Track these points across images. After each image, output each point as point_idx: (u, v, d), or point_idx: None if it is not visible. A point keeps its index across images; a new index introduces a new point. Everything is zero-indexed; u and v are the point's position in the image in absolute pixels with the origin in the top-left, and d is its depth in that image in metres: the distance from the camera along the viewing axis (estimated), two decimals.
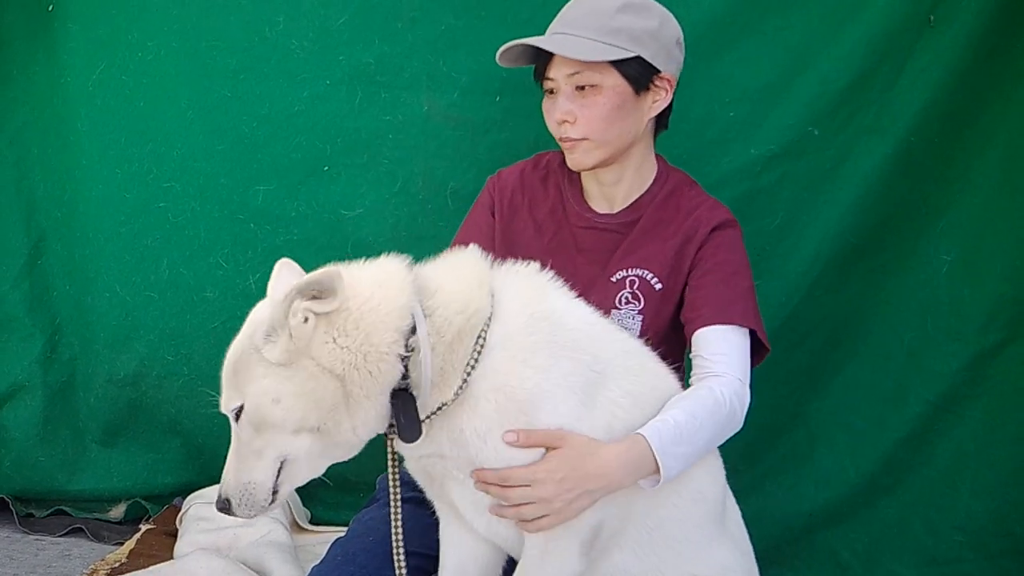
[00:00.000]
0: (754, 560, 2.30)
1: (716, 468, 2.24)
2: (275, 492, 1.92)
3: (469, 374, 1.92)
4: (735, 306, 2.32)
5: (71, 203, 3.25)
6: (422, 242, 2.84)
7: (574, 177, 2.54)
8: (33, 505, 3.36)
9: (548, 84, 2.39)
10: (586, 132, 2.34)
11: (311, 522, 3.31)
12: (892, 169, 2.91)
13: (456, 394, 1.91)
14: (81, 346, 3.35)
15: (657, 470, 2.00)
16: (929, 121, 2.88)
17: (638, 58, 2.30)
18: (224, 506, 1.92)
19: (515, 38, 2.78)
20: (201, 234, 3.18)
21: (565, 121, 2.35)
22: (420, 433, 1.90)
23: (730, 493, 2.32)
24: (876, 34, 2.86)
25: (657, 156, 2.53)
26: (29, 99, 3.23)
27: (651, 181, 2.49)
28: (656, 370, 2.18)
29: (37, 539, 3.22)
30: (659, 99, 2.39)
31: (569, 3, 2.41)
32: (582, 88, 2.33)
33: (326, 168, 3.10)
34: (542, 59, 2.39)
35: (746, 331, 2.32)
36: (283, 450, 1.90)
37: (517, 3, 2.94)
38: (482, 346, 1.93)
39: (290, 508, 3.24)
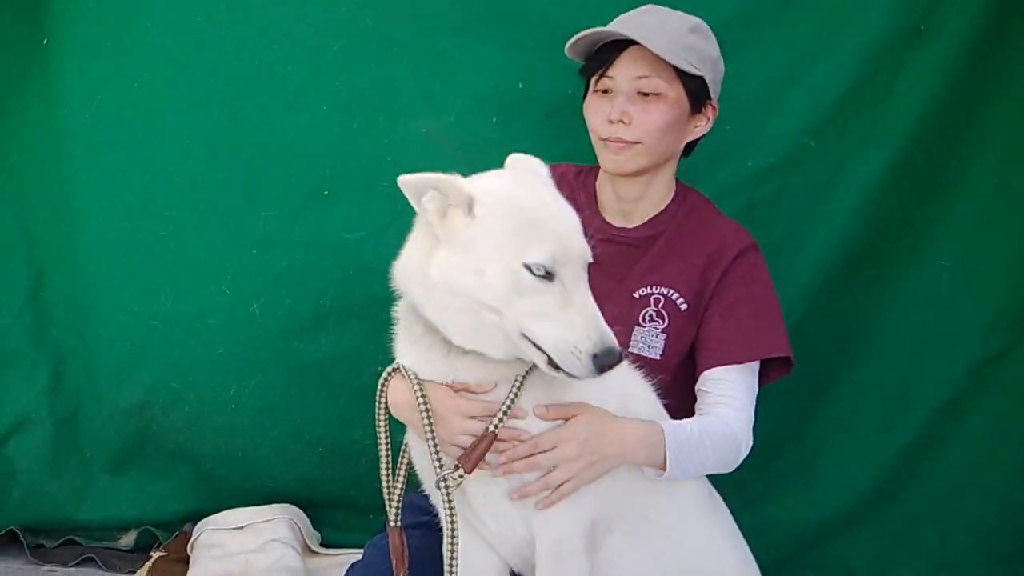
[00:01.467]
0: (748, 549, 2.34)
1: None
2: None
3: None
4: (761, 336, 2.38)
5: (71, 235, 3.25)
6: None
7: (590, 189, 2.55)
8: (43, 536, 3.36)
9: (605, 83, 2.39)
10: (640, 136, 2.35)
11: (321, 545, 3.32)
12: (889, 178, 2.93)
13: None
14: (86, 377, 3.35)
15: (663, 465, 2.07)
16: (924, 130, 2.91)
17: (701, 79, 2.35)
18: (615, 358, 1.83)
19: (510, 59, 2.80)
20: (203, 262, 3.18)
21: (620, 121, 2.35)
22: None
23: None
24: (868, 45, 2.88)
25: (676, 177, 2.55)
26: (26, 133, 3.23)
27: (670, 199, 2.51)
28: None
29: (48, 570, 3.23)
30: (701, 124, 2.45)
31: (635, 12, 2.42)
32: (644, 94, 2.34)
33: (326, 193, 3.11)
34: (600, 57, 2.39)
35: (756, 368, 2.38)
36: None
37: (511, 24, 2.96)
38: None
39: (301, 531, 3.26)
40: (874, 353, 3.09)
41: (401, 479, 2.14)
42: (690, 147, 2.52)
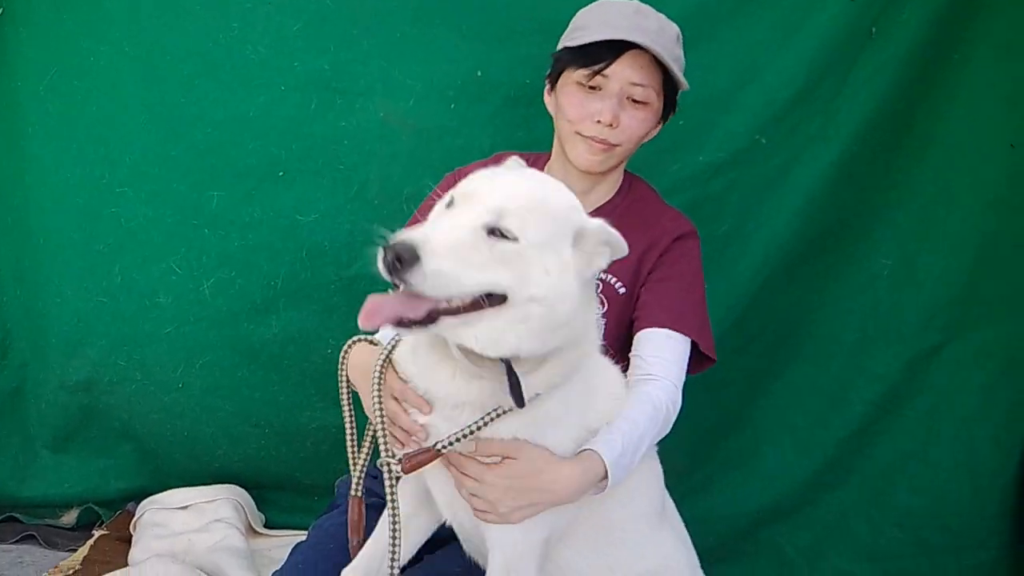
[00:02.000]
0: (693, 549, 2.37)
1: (655, 466, 2.31)
2: (435, 320, 1.72)
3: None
4: (685, 316, 2.38)
5: (21, 208, 3.22)
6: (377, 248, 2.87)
7: None
8: None
9: (598, 81, 2.38)
10: (622, 140, 2.40)
11: (265, 526, 3.32)
12: (836, 176, 3.00)
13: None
14: (32, 352, 3.32)
15: (604, 479, 2.05)
16: (871, 130, 2.98)
17: (677, 92, 2.45)
18: (401, 253, 1.64)
19: (470, 47, 2.80)
20: (154, 239, 3.15)
21: (609, 125, 2.37)
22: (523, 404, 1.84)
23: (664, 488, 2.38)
24: (821, 46, 2.94)
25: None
26: None
27: (615, 190, 2.56)
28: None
29: None
30: (656, 130, 2.51)
31: (630, 10, 2.39)
32: (635, 101, 2.38)
33: (281, 174, 3.09)
34: (596, 54, 2.35)
35: (688, 341, 2.38)
36: (503, 287, 1.73)
37: (471, 12, 2.97)
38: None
39: (245, 512, 3.25)
40: (814, 348, 3.17)
41: (366, 450, 2.15)
42: None
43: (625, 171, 2.59)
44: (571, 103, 2.42)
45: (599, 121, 2.38)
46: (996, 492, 3.08)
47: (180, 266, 3.16)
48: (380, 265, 1.65)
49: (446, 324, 1.72)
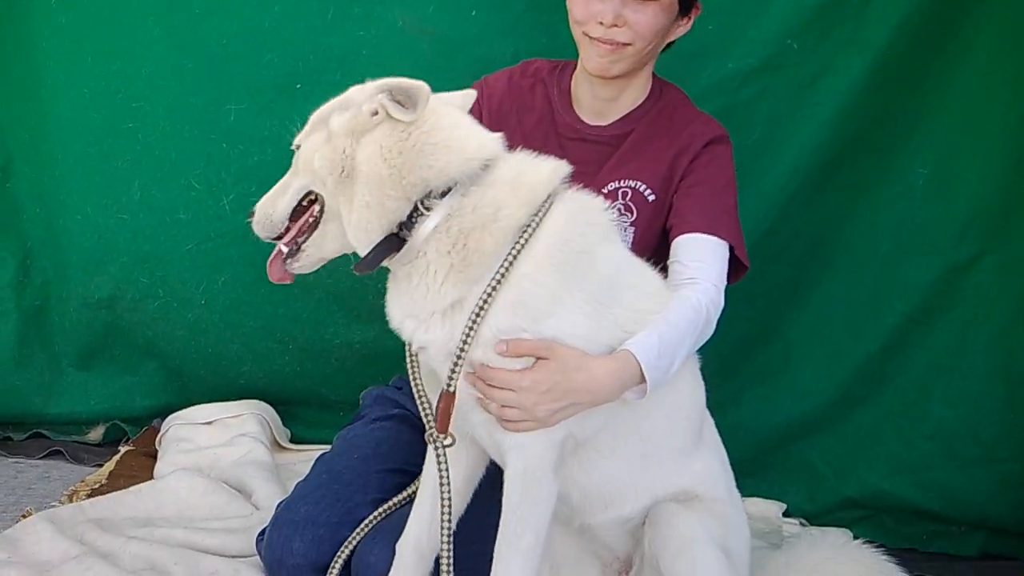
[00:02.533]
0: (730, 468, 2.34)
1: (696, 385, 2.28)
2: (298, 248, 2.03)
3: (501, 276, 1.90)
4: (720, 220, 2.34)
5: (38, 125, 3.20)
6: None
7: (564, 87, 2.51)
8: (10, 429, 3.38)
9: None
10: (632, 38, 2.31)
11: (292, 441, 3.35)
12: (869, 83, 2.92)
13: (486, 295, 1.89)
14: (54, 270, 3.33)
15: (643, 382, 2.02)
16: (906, 34, 2.88)
17: None
18: (249, 217, 2.10)
19: None
20: (172, 155, 3.14)
21: (614, 25, 2.30)
22: (372, 270, 1.97)
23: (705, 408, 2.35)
24: None
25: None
26: None
27: (645, 96, 2.48)
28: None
29: (16, 462, 3.24)
30: (684, 25, 2.41)
31: None
32: None
33: (298, 86, 3.05)
34: None
35: (726, 245, 2.33)
36: (302, 187, 2.05)
37: None
38: (515, 255, 1.91)
39: (270, 427, 3.28)
40: (846, 258, 3.11)
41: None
42: (668, 45, 2.47)
43: (655, 77, 2.51)
44: (576, 4, 2.34)
45: (603, 23, 2.30)
46: None
47: (199, 182, 3.15)
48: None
49: (308, 245, 2.04)
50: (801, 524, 3.13)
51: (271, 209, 2.06)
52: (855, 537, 2.94)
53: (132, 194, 3.19)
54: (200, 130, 3.12)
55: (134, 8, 3.06)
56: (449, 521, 2.02)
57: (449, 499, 2.02)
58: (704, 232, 2.31)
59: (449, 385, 1.94)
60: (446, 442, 2.01)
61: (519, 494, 1.99)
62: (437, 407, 1.99)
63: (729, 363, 3.18)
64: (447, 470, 2.02)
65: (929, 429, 3.11)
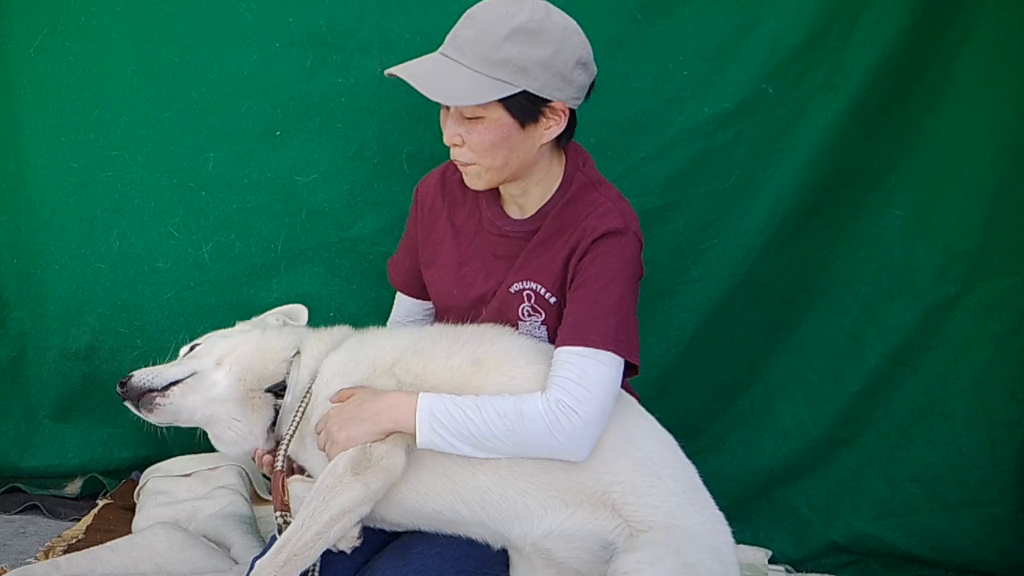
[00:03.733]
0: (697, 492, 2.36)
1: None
2: (173, 383, 2.52)
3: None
4: (591, 326, 2.27)
5: (16, 173, 3.20)
6: (378, 207, 2.88)
7: None
8: None
9: None
10: (473, 158, 2.32)
11: (270, 493, 3.31)
12: (845, 126, 2.95)
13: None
14: (31, 320, 3.31)
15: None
16: (881, 77, 2.92)
17: (524, 92, 2.24)
18: (124, 380, 2.52)
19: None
20: (151, 203, 3.15)
21: (454, 144, 2.33)
22: None
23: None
24: None
25: (570, 154, 2.46)
26: None
27: (556, 188, 2.45)
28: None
29: None
30: (552, 126, 2.32)
31: (468, 13, 2.29)
32: (465, 118, 2.28)
33: (278, 133, 3.08)
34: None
35: (601, 352, 2.25)
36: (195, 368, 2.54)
37: None
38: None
39: (249, 480, 3.25)
40: (826, 302, 3.13)
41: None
42: (565, 134, 2.39)
43: (571, 159, 2.45)
44: (443, 127, 2.37)
45: (447, 144, 2.35)
46: (1014, 444, 3.02)
47: (178, 230, 3.16)
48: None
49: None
50: (787, 571, 3.11)
51: (158, 373, 2.63)
52: None
53: (111, 243, 3.18)
54: (179, 178, 3.13)
55: (113, 57, 3.08)
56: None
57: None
58: (571, 344, 2.26)
59: (277, 464, 2.40)
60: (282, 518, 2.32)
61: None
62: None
63: (710, 408, 3.20)
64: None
65: (913, 472, 3.11)
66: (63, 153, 3.14)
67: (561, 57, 2.24)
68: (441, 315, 2.63)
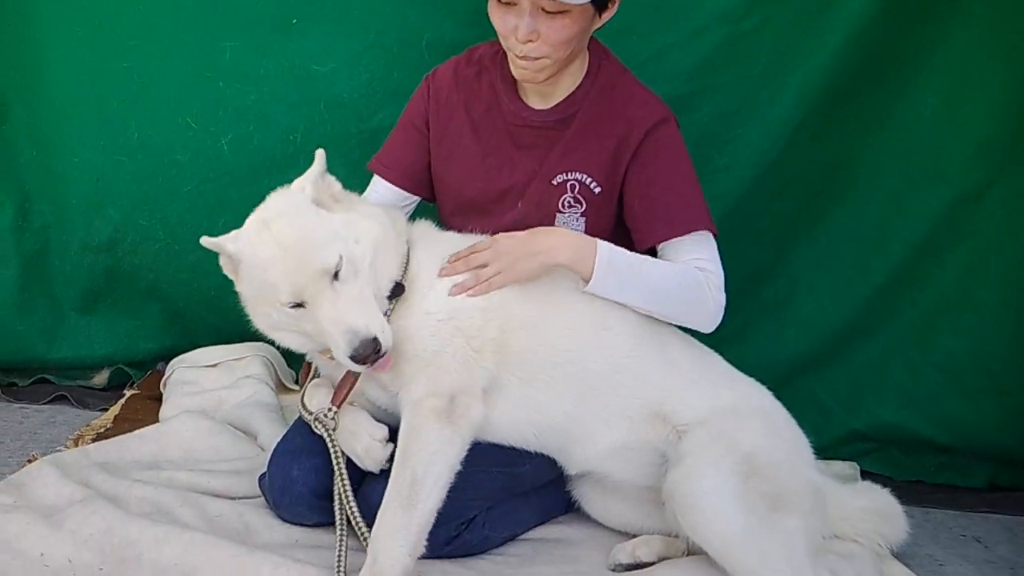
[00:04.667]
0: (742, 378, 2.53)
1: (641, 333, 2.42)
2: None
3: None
4: (689, 213, 2.43)
5: (32, 66, 3.20)
6: (397, 97, 2.85)
7: (507, 72, 2.52)
8: (15, 374, 3.42)
9: None
10: (547, 52, 2.33)
11: (295, 382, 3.38)
12: (877, 11, 2.88)
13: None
14: (53, 213, 3.34)
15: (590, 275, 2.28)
16: None
17: None
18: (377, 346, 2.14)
19: None
20: (168, 94, 3.15)
21: (528, 40, 2.31)
22: None
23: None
24: None
25: (592, 41, 2.50)
26: None
27: (584, 74, 2.50)
28: None
29: (21, 407, 3.29)
30: (609, 12, 2.39)
31: None
32: (545, 11, 2.28)
33: (295, 21, 3.06)
34: None
35: (707, 233, 2.44)
36: None
37: None
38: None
39: (274, 369, 3.32)
40: (853, 191, 3.11)
41: None
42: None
43: (593, 48, 2.52)
44: (494, 19, 2.37)
45: (518, 40, 2.32)
46: None
47: (196, 121, 3.16)
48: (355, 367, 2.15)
49: None
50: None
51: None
52: (862, 470, 3.00)
53: (129, 135, 3.19)
54: (196, 69, 3.12)
55: None
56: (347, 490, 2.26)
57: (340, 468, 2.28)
58: (682, 235, 2.42)
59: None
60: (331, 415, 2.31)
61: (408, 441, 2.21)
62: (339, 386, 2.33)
63: (734, 298, 3.12)
64: (339, 447, 2.30)
65: (937, 361, 3.14)
66: (78, 44, 3.13)
67: None
68: (455, 209, 2.66)
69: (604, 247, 2.32)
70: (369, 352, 2.10)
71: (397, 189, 2.69)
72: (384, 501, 2.16)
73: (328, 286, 2.15)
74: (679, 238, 2.42)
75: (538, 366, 2.32)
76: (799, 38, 2.95)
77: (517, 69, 2.41)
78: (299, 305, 2.17)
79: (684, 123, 2.54)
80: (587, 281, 2.32)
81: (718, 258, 2.45)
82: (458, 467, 2.20)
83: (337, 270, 2.15)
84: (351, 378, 2.32)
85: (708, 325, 2.46)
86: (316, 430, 2.33)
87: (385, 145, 2.72)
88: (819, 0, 2.91)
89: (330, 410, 2.32)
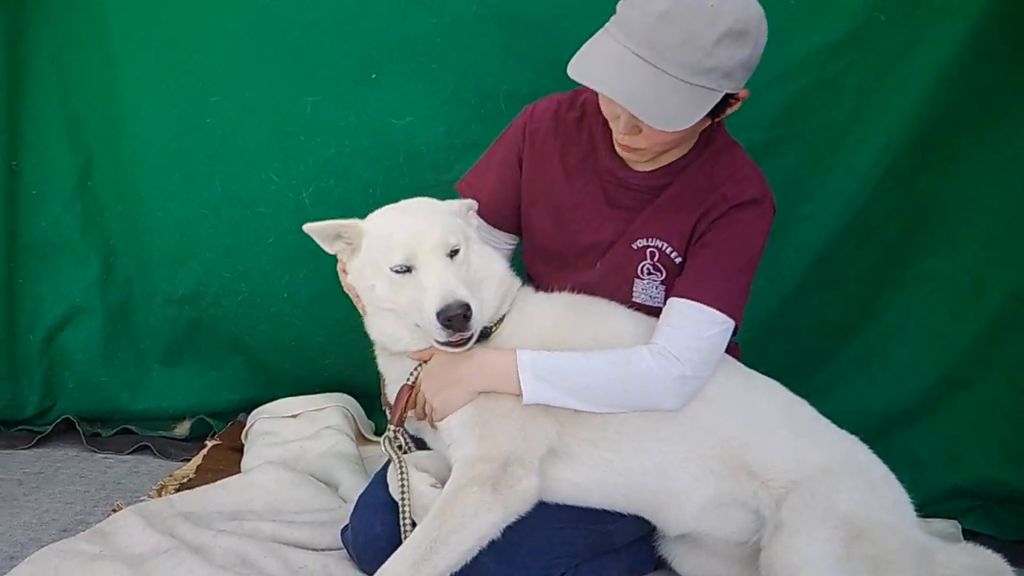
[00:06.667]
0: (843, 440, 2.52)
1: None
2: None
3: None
4: (712, 285, 2.38)
5: (117, 121, 3.37)
6: (476, 149, 2.95)
7: (608, 126, 2.48)
8: (99, 425, 3.59)
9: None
10: (649, 146, 2.35)
11: (375, 433, 3.48)
12: (963, 53, 2.92)
13: None
14: (137, 267, 3.51)
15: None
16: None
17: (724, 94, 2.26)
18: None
19: None
20: (251, 148, 3.29)
21: (629, 133, 2.33)
22: None
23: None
24: None
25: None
26: (68, 17, 3.32)
27: (689, 147, 2.50)
28: None
29: (105, 457, 3.44)
30: (728, 110, 2.36)
31: (663, 12, 2.16)
32: None
33: (374, 76, 3.18)
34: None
35: (713, 312, 2.38)
36: None
37: None
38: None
39: (354, 420, 3.43)
40: (944, 237, 3.12)
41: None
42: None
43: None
44: (600, 97, 2.36)
45: (621, 133, 2.35)
46: None
47: (278, 175, 3.30)
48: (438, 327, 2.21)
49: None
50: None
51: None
52: (964, 529, 2.96)
53: (212, 189, 3.34)
54: (277, 123, 3.26)
55: (210, 2, 3.20)
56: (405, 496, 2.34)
57: (403, 476, 2.36)
58: (689, 297, 2.39)
59: (408, 378, 2.42)
60: (393, 433, 2.44)
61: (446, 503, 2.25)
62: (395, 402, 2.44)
63: (824, 348, 3.24)
64: (405, 463, 2.38)
65: None
66: (163, 101, 3.30)
67: (758, 51, 2.29)
68: (537, 256, 2.70)
69: (525, 356, 2.33)
70: (458, 315, 2.17)
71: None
72: (400, 548, 2.21)
73: (442, 257, 2.28)
74: (682, 300, 2.39)
75: (599, 426, 2.36)
76: (883, 83, 2.99)
77: (618, 147, 2.45)
78: (407, 270, 2.29)
79: (768, 170, 2.55)
80: (519, 395, 2.33)
81: (703, 337, 2.36)
82: (495, 537, 2.23)
83: (456, 250, 2.31)
84: (406, 392, 2.42)
85: (670, 402, 2.37)
86: (384, 449, 2.45)
87: (471, 174, 2.75)
88: (902, 44, 2.95)
89: (391, 431, 2.45)
